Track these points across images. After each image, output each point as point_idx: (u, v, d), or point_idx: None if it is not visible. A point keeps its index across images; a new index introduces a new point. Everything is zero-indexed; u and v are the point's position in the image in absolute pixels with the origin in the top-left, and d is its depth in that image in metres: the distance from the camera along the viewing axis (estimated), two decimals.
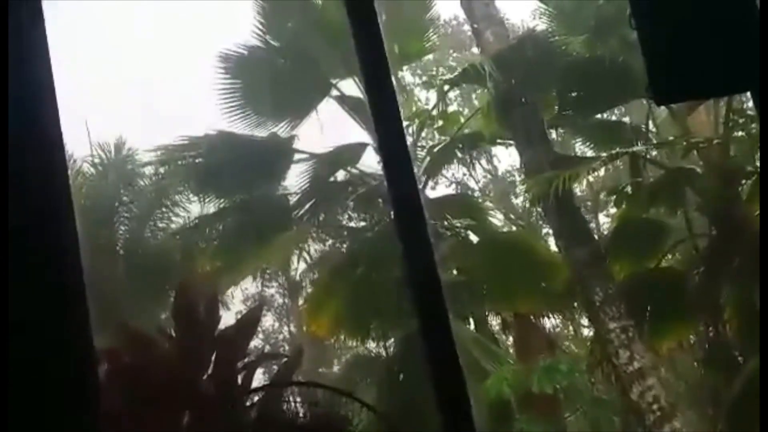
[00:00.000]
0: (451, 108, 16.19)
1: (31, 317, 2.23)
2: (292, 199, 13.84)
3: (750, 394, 10.75)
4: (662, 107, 13.00)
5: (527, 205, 15.80)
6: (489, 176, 20.28)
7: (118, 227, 13.38)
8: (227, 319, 10.56)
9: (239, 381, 8.99)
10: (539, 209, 14.84)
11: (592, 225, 17.08)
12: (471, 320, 13.69)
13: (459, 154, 15.67)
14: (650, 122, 14.04)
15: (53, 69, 2.49)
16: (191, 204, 13.67)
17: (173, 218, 13.73)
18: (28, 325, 2.22)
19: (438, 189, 17.02)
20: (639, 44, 3.25)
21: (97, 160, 13.54)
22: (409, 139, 13.84)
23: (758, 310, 11.42)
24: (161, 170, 13.85)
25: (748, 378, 11.02)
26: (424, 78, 17.13)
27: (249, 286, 15.65)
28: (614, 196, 14.17)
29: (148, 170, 13.97)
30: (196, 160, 13.66)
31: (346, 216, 14.27)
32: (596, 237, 15.23)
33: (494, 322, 14.73)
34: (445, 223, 13.64)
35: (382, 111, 2.95)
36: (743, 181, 13.04)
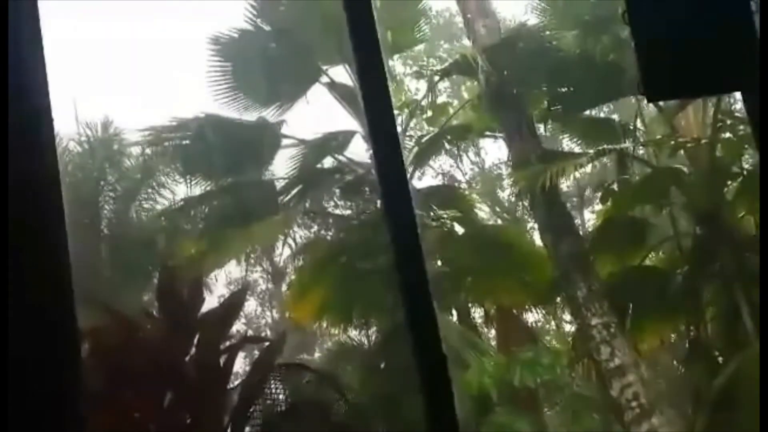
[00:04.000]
0: (441, 99, 16.17)
1: (16, 296, 2.22)
2: (279, 185, 13.82)
3: (729, 393, 10.80)
4: (651, 106, 13.04)
5: (513, 198, 15.84)
6: (476, 168, 20.30)
7: (102, 206, 13.33)
8: (210, 302, 10.56)
9: (221, 363, 9.00)
10: (525, 203, 14.88)
11: (578, 221, 17.10)
12: (454, 311, 13.71)
13: (447, 146, 15.71)
14: (639, 120, 14.05)
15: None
16: (177, 186, 13.64)
17: (159, 199, 13.71)
18: (12, 304, 2.21)
19: (425, 179, 17.03)
20: (631, 42, 3.25)
21: (83, 139, 13.48)
22: (398, 129, 13.81)
23: (738, 311, 11.50)
24: (148, 151, 13.80)
25: (728, 378, 11.07)
26: (415, 68, 17.10)
27: (233, 270, 15.62)
28: (600, 193, 14.19)
29: (135, 150, 13.92)
30: (184, 142, 13.61)
31: (333, 203, 14.26)
32: (581, 233, 15.25)
33: (477, 314, 14.74)
34: (431, 213, 13.63)
35: (373, 99, 2.94)
36: (729, 183, 13.09)
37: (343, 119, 13.42)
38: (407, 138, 14.57)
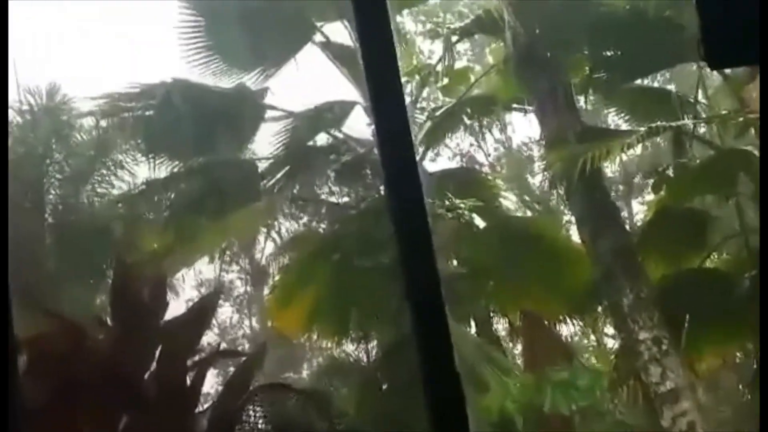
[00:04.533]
0: (460, 64, 16.16)
1: None
2: (262, 166, 13.83)
3: None
4: (716, 73, 13.01)
5: (546, 185, 15.80)
6: (501, 148, 20.31)
7: (47, 190, 13.34)
8: (176, 307, 10.58)
9: (188, 382, 9.02)
10: (561, 191, 14.86)
11: (624, 213, 17.10)
12: (472, 322, 13.73)
13: (466, 120, 15.67)
14: (700, 92, 14.04)
15: None
16: (138, 166, 13.64)
17: (115, 182, 13.70)
18: None
19: (439, 161, 17.03)
20: None
21: (25, 108, 13.48)
22: (407, 99, 13.83)
23: None
24: (103, 123, 13.80)
25: None
26: (428, 25, 17.08)
27: (204, 269, 15.65)
28: (652, 180, 14.18)
29: (88, 122, 13.92)
30: (147, 113, 13.62)
31: (327, 189, 14.26)
32: (628, 228, 15.25)
33: (500, 325, 14.76)
34: (446, 202, 13.63)
35: (376, 62, 2.94)
36: None
37: (341, 87, 13.43)
38: (418, 111, 14.58)
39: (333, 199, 14.31)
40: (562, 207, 17.16)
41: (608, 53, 13.90)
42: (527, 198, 18.91)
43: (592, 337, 16.89)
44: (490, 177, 17.09)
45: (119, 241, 13.15)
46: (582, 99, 14.36)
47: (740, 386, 15.19)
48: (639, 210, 18.44)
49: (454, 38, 15.04)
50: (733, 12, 3.20)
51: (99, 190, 13.75)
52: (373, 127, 11.54)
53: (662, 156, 15.09)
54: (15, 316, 2.27)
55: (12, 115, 13.37)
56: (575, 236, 14.36)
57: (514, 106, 15.56)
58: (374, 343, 13.41)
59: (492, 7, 13.78)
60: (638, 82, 14.66)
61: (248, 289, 19.56)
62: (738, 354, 13.93)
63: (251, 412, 9.49)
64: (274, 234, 15.26)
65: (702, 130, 14.11)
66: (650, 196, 15.49)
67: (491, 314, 14.36)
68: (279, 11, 13.36)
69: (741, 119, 13.04)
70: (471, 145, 19.04)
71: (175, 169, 13.75)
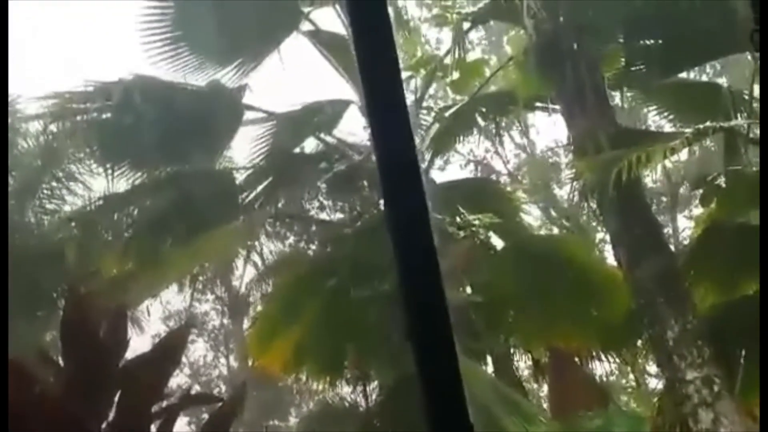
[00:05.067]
0: (473, 55, 16.21)
1: None
2: (240, 177, 13.85)
3: None
4: None
5: (576, 197, 15.83)
6: (523, 154, 20.36)
7: None
8: (140, 344, 10.58)
9: None
10: (593, 205, 14.88)
11: (668, 230, 17.12)
12: (489, 359, 13.73)
13: (481, 122, 15.71)
14: (756, 87, 14.07)
15: None
16: (94, 178, 13.67)
17: (67, 197, 13.74)
18: None
19: (449, 170, 17.08)
20: None
21: None
22: (411, 97, 13.86)
23: None
24: (53, 128, 13.82)
25: None
26: (435, 10, 17.14)
27: (173, 298, 15.68)
28: (701, 190, 14.19)
29: (34, 127, 13.95)
30: (104, 116, 13.65)
31: (317, 204, 14.29)
32: (673, 247, 15.27)
33: (522, 363, 14.77)
34: (458, 219, 13.67)
35: (374, 54, 2.94)
36: None
37: (332, 84, 13.47)
38: (423, 111, 14.61)
39: (324, 216, 14.34)
40: (594, 223, 17.20)
41: (647, 42, 13.93)
42: (553, 213, 18.97)
43: (631, 377, 16.91)
44: (509, 188, 17.15)
45: (72, 267, 13.17)
46: (617, 96, 14.39)
47: None
48: (685, 226, 18.48)
49: (466, 25, 15.08)
50: None
51: (48, 206, 13.79)
52: (369, 130, 11.60)
53: (713, 163, 15.11)
54: None
55: None
56: (610, 258, 14.38)
57: (537, 104, 15.59)
58: (373, 385, 13.41)
59: None
60: (683, 75, 14.68)
61: (225, 321, 19.64)
62: None
63: None
64: (255, 257, 15.28)
65: (758, 131, 14.13)
66: (698, 210, 15.52)
67: (512, 350, 14.37)
68: None
69: None
70: (487, 150, 19.13)
71: (138, 182, 13.77)
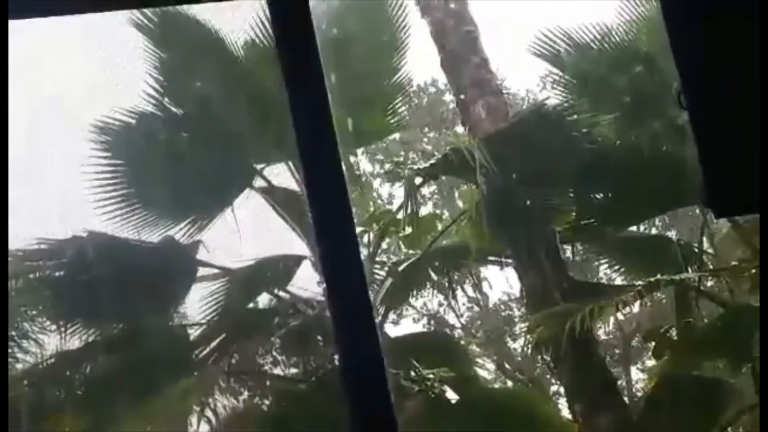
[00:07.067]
0: (425, 210, 16.30)
1: None
2: (194, 333, 13.78)
3: None
4: (723, 220, 13.17)
5: (530, 351, 15.83)
6: (476, 308, 20.34)
7: None
8: None
9: None
10: (547, 357, 14.88)
11: (621, 382, 17.11)
12: None
13: (434, 276, 15.72)
14: (705, 240, 14.19)
15: None
16: (47, 335, 13.55)
17: (19, 355, 13.60)
18: None
19: (402, 324, 17.04)
20: (691, 132, 3.25)
21: None
22: (364, 252, 13.89)
23: None
24: None
25: None
26: (387, 166, 17.29)
27: None
28: (653, 343, 14.22)
29: None
30: (57, 274, 13.59)
31: (270, 359, 14.22)
32: (627, 399, 15.24)
33: None
34: (412, 373, 13.60)
35: (327, 210, 2.97)
36: None
37: (286, 240, 13.48)
38: (377, 266, 14.62)
39: (278, 371, 14.25)
40: (549, 376, 17.16)
41: (598, 196, 14.04)
42: (508, 366, 18.92)
43: None
44: (463, 342, 17.10)
45: (24, 427, 12.99)
46: (569, 249, 14.47)
47: None
48: (639, 378, 18.46)
49: (418, 180, 15.19)
50: (739, 154, 3.20)
51: None
52: (323, 285, 11.55)
53: (664, 315, 15.16)
54: None
55: None
56: (566, 411, 14.33)
57: (490, 258, 15.63)
58: None
59: (462, 145, 13.92)
60: (633, 229, 14.80)
61: None
62: None
63: None
64: (209, 413, 15.12)
65: (709, 283, 14.21)
66: (651, 362, 15.51)
67: None
68: (212, 152, 13.44)
69: (754, 271, 13.15)
70: (440, 304, 19.10)
71: (92, 339, 13.67)
